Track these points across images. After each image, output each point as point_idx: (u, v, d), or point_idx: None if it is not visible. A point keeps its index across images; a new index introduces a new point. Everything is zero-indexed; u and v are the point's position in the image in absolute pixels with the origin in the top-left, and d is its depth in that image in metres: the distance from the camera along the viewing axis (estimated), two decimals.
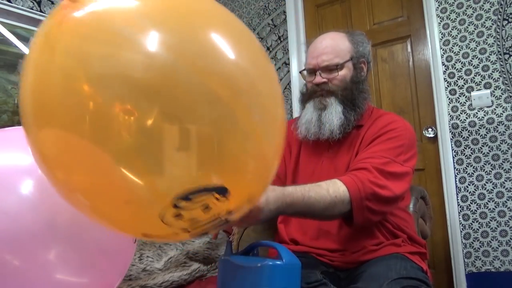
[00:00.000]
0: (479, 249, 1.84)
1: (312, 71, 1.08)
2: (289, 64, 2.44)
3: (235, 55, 0.49)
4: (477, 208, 1.87)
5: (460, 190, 1.91)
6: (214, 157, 0.46)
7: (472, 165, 1.89)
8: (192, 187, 0.46)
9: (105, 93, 0.42)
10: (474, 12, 1.93)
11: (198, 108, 0.44)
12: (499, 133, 1.83)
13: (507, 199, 1.80)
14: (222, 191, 0.49)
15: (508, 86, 1.83)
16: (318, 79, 1.06)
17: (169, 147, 0.44)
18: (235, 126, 0.47)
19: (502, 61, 1.85)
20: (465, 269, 1.86)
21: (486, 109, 1.87)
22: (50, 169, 0.52)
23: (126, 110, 0.42)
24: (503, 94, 1.84)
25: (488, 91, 1.87)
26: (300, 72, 1.16)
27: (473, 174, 1.89)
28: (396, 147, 0.97)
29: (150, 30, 0.44)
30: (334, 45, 1.07)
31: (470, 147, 1.90)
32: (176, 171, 0.45)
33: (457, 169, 1.93)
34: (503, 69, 1.84)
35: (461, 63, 1.94)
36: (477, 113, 1.89)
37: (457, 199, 1.91)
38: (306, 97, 1.11)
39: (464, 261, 1.86)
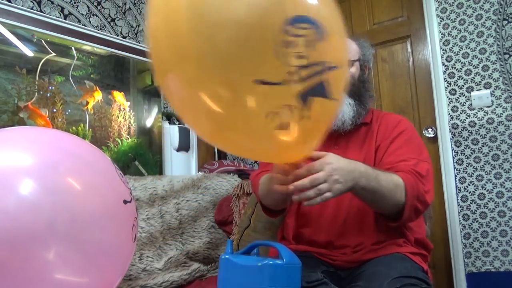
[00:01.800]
0: (479, 249, 1.84)
1: None
2: None
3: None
4: (477, 208, 1.87)
5: (460, 190, 1.91)
6: None
7: (472, 165, 1.89)
8: (296, 14, 0.59)
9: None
10: (474, 12, 1.93)
11: None
12: (499, 133, 1.83)
13: (507, 199, 1.80)
14: (321, 31, 0.61)
15: (508, 86, 1.83)
16: None
17: None
18: None
19: (502, 61, 1.85)
20: (465, 269, 1.86)
21: (486, 109, 1.87)
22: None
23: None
24: (503, 94, 1.84)
25: (488, 91, 1.87)
26: None
27: (473, 174, 1.89)
28: (416, 146, 1.02)
29: None
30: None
31: (470, 147, 1.90)
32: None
33: (457, 169, 1.93)
34: (503, 69, 1.84)
35: (461, 63, 1.95)
36: (477, 113, 1.89)
37: (457, 199, 1.91)
38: None
39: (464, 261, 1.86)
